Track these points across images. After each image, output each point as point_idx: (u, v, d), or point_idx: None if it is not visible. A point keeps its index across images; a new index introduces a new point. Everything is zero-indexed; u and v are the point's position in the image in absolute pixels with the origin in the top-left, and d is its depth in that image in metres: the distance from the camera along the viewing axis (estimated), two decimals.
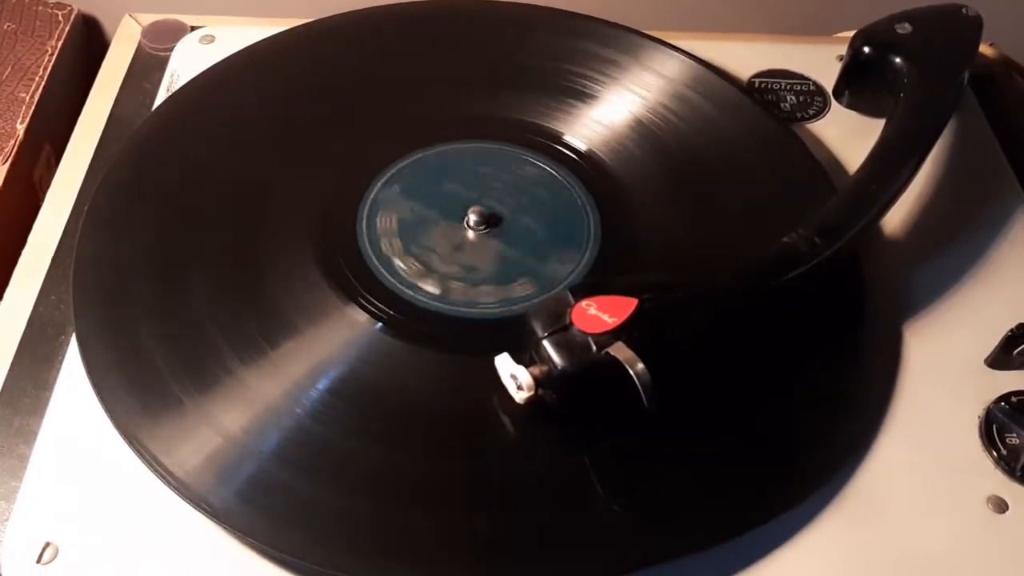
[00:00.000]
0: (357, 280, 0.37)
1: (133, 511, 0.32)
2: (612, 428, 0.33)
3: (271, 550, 0.31)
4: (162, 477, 0.31)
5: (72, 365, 0.35)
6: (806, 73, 0.48)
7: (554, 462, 0.33)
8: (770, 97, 0.47)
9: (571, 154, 0.43)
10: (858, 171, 0.39)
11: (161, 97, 0.46)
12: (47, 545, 0.30)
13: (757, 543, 0.32)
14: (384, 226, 0.39)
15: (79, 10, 0.55)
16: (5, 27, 0.54)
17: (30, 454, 0.33)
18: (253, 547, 0.31)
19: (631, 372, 0.30)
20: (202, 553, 0.31)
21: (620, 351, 0.31)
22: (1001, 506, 0.33)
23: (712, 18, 0.56)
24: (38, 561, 0.30)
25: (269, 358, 0.35)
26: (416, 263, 0.38)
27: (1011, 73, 0.50)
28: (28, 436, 0.34)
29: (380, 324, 0.36)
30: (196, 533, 0.31)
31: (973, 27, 0.44)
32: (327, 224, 0.39)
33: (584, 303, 0.32)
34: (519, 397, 0.33)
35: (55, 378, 0.35)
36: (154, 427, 0.32)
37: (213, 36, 0.48)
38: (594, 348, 0.32)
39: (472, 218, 0.39)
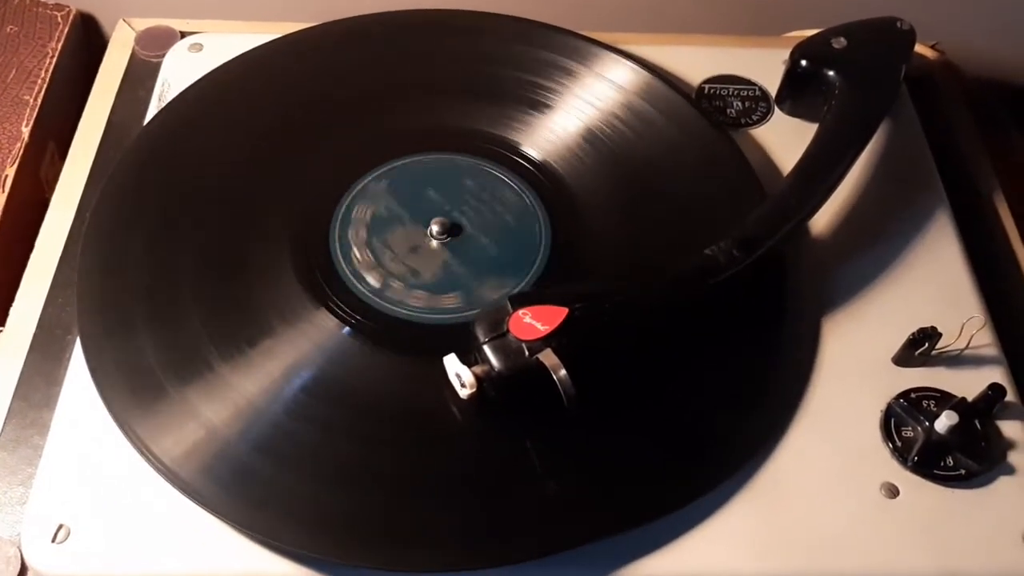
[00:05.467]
0: (328, 286, 0.42)
1: (133, 494, 0.36)
2: (544, 421, 0.38)
3: (255, 535, 0.35)
4: (153, 464, 0.36)
5: (78, 362, 0.40)
6: (753, 78, 0.50)
7: (494, 451, 0.38)
8: (718, 103, 0.49)
9: (526, 164, 0.46)
10: (782, 182, 0.42)
11: (153, 105, 0.49)
12: (60, 527, 0.35)
13: (679, 524, 0.36)
14: (354, 241, 0.43)
15: (77, 10, 0.59)
16: (8, 30, 0.57)
17: (43, 444, 0.38)
18: (236, 528, 0.36)
19: (554, 377, 0.35)
20: (191, 532, 0.36)
21: (547, 357, 0.35)
22: (893, 492, 0.38)
23: (666, 17, 0.58)
24: (53, 541, 0.35)
25: (248, 356, 0.39)
26: (393, 280, 0.42)
27: (953, 74, 0.52)
28: (41, 428, 0.38)
29: (347, 328, 0.40)
30: (185, 514, 0.36)
31: (906, 40, 0.46)
32: (302, 235, 0.43)
33: (521, 312, 0.37)
34: (463, 393, 0.37)
35: (63, 374, 0.40)
36: (146, 418, 0.37)
37: (201, 44, 0.52)
38: (526, 353, 0.36)
39: (435, 228, 0.43)
